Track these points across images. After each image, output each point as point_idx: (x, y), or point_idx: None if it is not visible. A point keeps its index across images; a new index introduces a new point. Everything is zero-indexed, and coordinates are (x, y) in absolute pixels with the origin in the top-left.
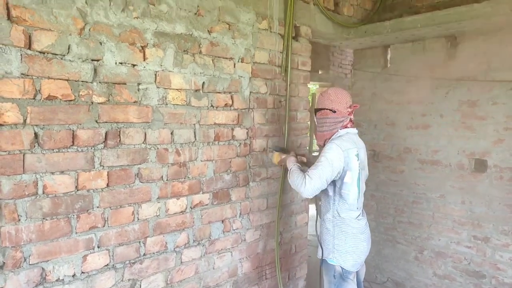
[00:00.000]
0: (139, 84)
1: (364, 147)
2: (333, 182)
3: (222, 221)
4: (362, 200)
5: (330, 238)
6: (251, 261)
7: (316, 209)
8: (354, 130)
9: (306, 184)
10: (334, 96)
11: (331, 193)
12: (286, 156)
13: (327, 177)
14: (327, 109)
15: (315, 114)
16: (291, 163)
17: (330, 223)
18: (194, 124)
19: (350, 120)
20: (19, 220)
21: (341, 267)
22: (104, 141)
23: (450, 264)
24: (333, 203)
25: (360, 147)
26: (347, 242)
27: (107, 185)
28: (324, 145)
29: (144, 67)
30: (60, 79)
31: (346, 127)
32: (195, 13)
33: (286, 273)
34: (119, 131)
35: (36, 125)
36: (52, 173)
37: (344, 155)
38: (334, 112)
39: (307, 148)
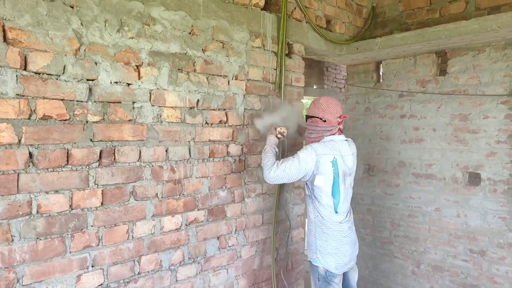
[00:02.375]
0: (134, 102)
1: (354, 153)
2: (306, 183)
3: (218, 238)
4: (347, 205)
5: (313, 239)
6: (247, 278)
7: None
8: (340, 137)
9: (271, 171)
10: (325, 106)
11: (308, 192)
12: (270, 132)
13: (292, 173)
14: (317, 117)
15: (306, 120)
16: (269, 144)
17: (313, 224)
18: (189, 141)
19: (339, 129)
20: (13, 240)
21: (324, 269)
22: (98, 160)
23: (447, 278)
24: (312, 202)
25: (345, 154)
26: (329, 243)
27: (102, 203)
28: None
29: (139, 85)
30: (55, 99)
31: (333, 135)
32: (189, 33)
33: None
34: (114, 150)
35: (31, 145)
36: (47, 192)
37: (316, 159)
38: (324, 121)
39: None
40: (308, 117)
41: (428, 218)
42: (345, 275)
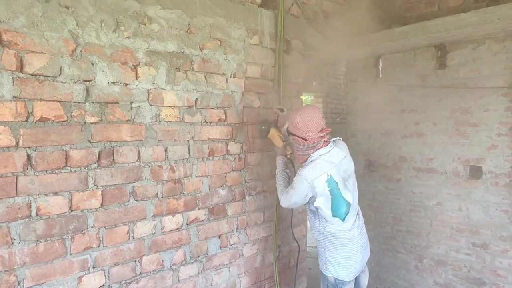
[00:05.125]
0: (131, 102)
1: (346, 154)
2: (309, 202)
3: (219, 237)
4: (356, 207)
5: (322, 250)
6: (250, 276)
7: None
8: (327, 149)
9: (282, 201)
10: (303, 126)
11: (314, 208)
12: (277, 148)
13: (298, 200)
14: (298, 136)
15: (288, 135)
16: (279, 166)
17: (321, 235)
18: (188, 140)
19: (324, 142)
20: (12, 243)
21: (334, 278)
22: (97, 161)
23: (450, 272)
24: (318, 220)
25: (338, 161)
26: (339, 253)
27: (102, 204)
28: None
29: (137, 85)
30: (52, 100)
31: (320, 148)
32: (186, 31)
33: (285, 287)
34: (113, 150)
35: (29, 147)
36: (46, 194)
37: (310, 186)
38: (305, 140)
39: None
40: (289, 132)
41: (430, 213)
42: (355, 279)
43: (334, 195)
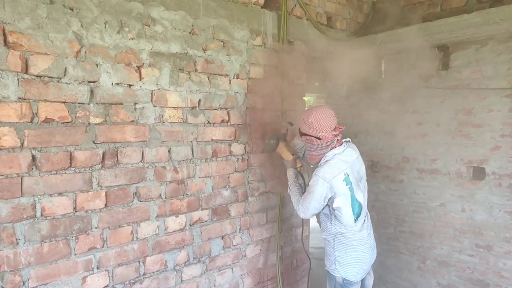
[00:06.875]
0: (135, 103)
1: (358, 156)
2: (327, 205)
3: (222, 237)
4: (365, 210)
5: (331, 250)
6: (253, 277)
7: (318, 221)
8: (341, 149)
9: (299, 211)
10: (317, 125)
11: (327, 212)
12: (286, 161)
13: (316, 207)
14: (312, 136)
15: (300, 135)
16: (290, 179)
17: (330, 236)
18: (192, 141)
19: (337, 141)
20: (18, 243)
21: (342, 278)
22: (101, 161)
23: (454, 273)
24: (330, 222)
25: (352, 160)
26: (348, 253)
27: (105, 205)
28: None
29: (140, 86)
30: (57, 101)
31: (334, 148)
32: (190, 32)
33: None
34: (117, 151)
35: (34, 148)
36: (50, 195)
37: (329, 186)
38: (320, 139)
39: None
40: (302, 133)
41: (433, 214)
42: (361, 281)
43: (352, 193)
